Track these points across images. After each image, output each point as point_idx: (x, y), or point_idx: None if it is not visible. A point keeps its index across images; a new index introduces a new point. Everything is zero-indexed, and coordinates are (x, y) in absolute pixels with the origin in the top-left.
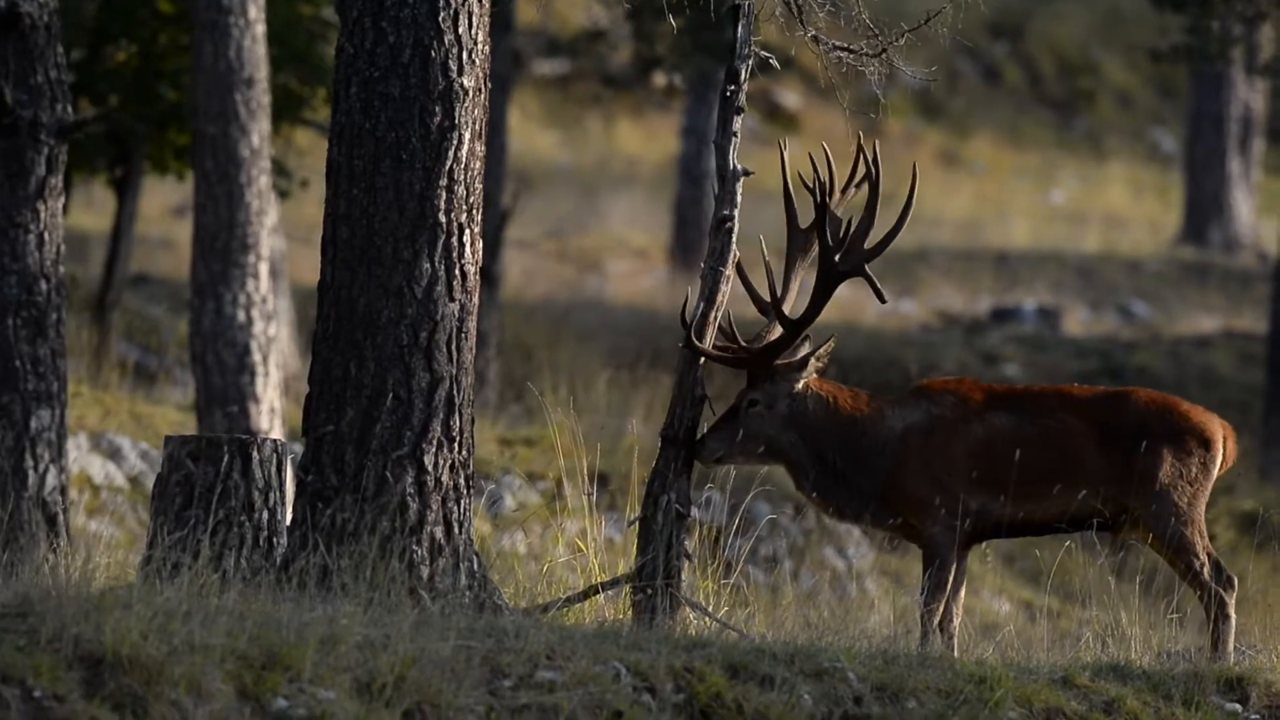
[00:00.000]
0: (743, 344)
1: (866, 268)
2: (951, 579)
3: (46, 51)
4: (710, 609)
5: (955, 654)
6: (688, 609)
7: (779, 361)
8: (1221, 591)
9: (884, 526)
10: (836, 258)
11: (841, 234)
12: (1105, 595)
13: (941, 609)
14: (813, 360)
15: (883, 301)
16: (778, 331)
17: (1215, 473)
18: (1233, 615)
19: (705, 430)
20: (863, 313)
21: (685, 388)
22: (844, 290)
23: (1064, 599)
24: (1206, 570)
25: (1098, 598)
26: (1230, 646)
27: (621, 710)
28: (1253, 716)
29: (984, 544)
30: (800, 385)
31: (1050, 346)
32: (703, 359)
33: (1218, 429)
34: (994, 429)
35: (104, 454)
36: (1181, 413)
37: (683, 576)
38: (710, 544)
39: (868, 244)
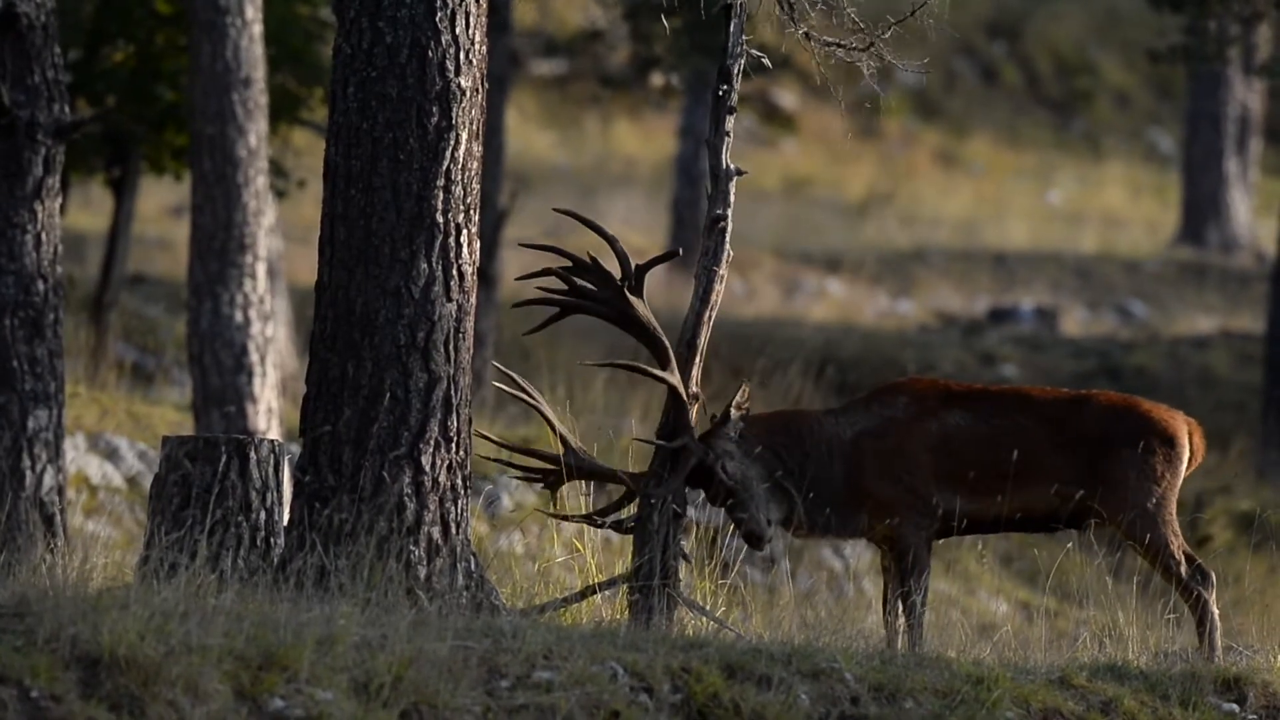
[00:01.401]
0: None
1: (629, 286)
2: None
3: (44, 52)
4: (707, 609)
5: (898, 646)
6: (685, 609)
7: (702, 434)
8: (1200, 589)
9: (873, 537)
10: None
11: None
12: (1102, 595)
13: (924, 605)
14: (733, 410)
15: (676, 255)
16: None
17: (1183, 470)
18: (1215, 611)
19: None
20: (860, 313)
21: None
22: (842, 291)
23: (1061, 599)
24: (1183, 569)
25: (1095, 598)
26: (1218, 643)
27: (619, 710)
28: (1250, 717)
29: (979, 545)
30: (735, 432)
31: (1048, 347)
32: (696, 363)
33: (1181, 426)
34: (949, 427)
35: (101, 454)
36: (1142, 413)
37: (680, 577)
38: (707, 544)
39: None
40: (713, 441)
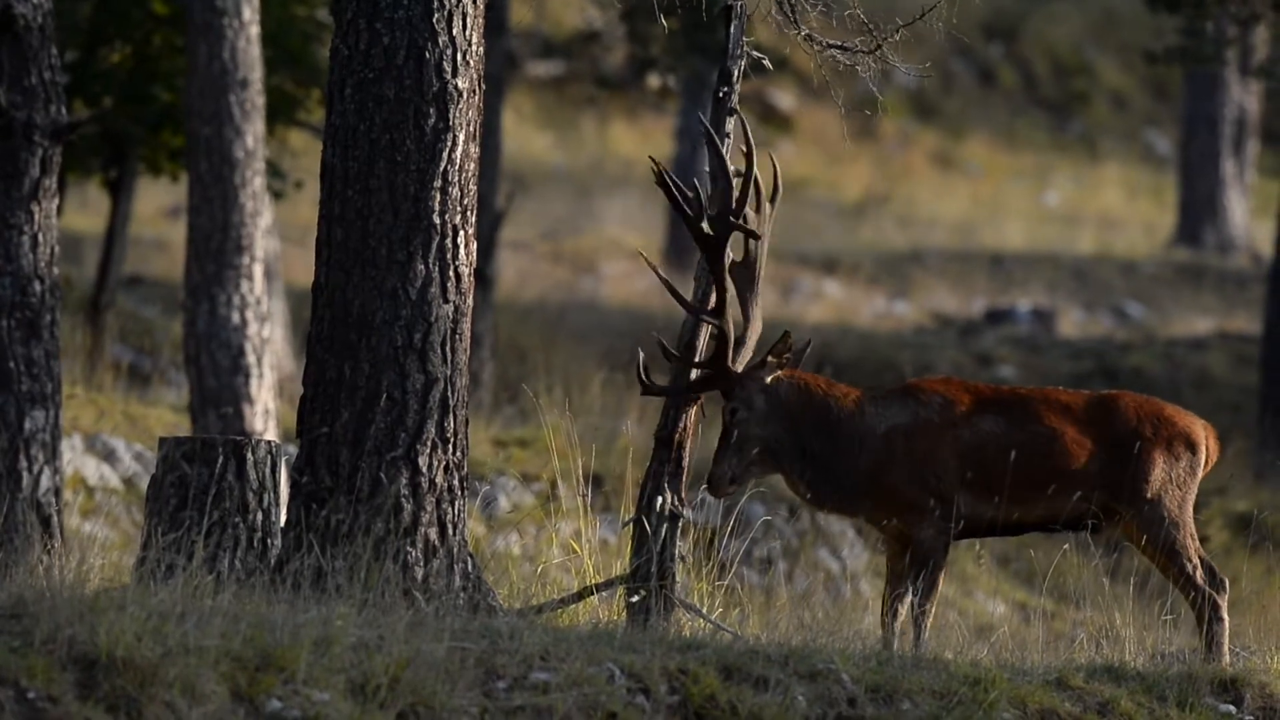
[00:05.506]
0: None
1: (735, 220)
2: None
3: (41, 53)
4: (704, 610)
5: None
6: (682, 610)
7: (739, 367)
8: (1214, 594)
9: (880, 527)
10: (704, 225)
11: (702, 200)
12: (1100, 597)
13: (934, 608)
14: (770, 357)
15: (756, 239)
16: (712, 340)
17: (1200, 475)
18: (1226, 617)
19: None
20: (857, 314)
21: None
22: (839, 292)
23: (1058, 600)
24: (1199, 573)
25: (1092, 599)
26: (1225, 648)
27: (615, 711)
28: (1247, 718)
29: (977, 546)
30: (770, 379)
31: (1045, 348)
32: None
33: (1201, 431)
34: (982, 433)
35: (98, 455)
36: (1168, 416)
37: (677, 578)
38: (705, 545)
39: (732, 202)
40: (745, 382)
